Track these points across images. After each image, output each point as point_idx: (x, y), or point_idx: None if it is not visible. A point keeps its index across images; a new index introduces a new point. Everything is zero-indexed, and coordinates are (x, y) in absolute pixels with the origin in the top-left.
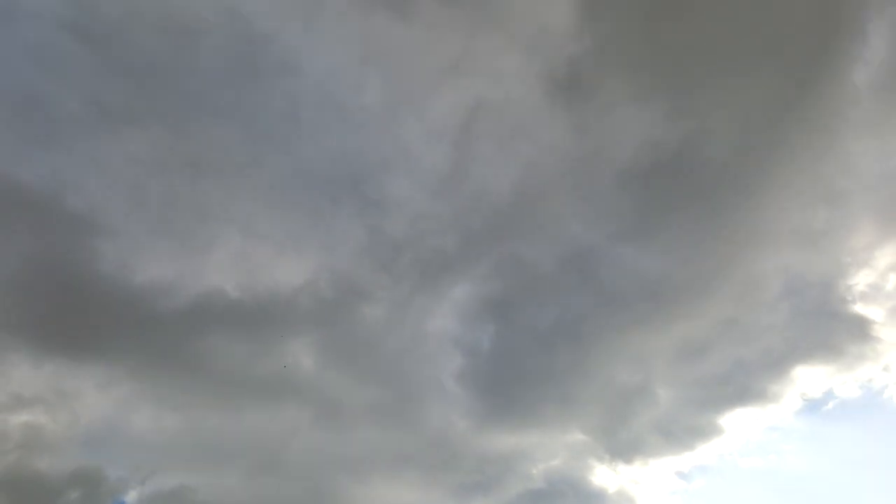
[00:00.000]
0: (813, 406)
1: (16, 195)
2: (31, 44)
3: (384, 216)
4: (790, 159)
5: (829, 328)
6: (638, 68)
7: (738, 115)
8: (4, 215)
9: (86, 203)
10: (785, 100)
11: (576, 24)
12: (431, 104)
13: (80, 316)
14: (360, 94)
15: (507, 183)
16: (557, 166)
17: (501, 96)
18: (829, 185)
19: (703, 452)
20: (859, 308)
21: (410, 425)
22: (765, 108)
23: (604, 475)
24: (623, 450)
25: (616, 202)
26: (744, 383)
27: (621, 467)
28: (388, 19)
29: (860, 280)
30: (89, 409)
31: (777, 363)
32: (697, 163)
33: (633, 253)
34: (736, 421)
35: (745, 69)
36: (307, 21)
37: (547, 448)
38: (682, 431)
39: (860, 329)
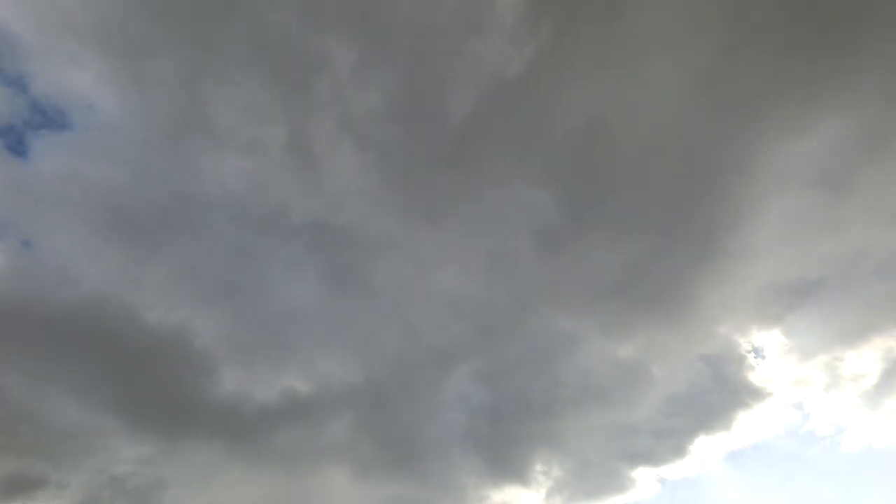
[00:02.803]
0: (724, 460)
1: (156, 339)
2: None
3: (421, 333)
4: (708, 281)
5: (736, 399)
6: (600, 231)
7: (670, 260)
8: (152, 352)
9: (204, 344)
10: (706, 249)
11: (556, 209)
12: (460, 259)
13: (193, 421)
14: (408, 263)
15: (511, 301)
16: (546, 288)
17: (507, 251)
18: (734, 298)
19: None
20: (758, 380)
21: (423, 478)
22: (689, 254)
23: None
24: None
25: (591, 309)
26: (670, 445)
27: None
28: (431, 228)
29: (758, 363)
30: (175, 478)
31: (694, 427)
32: (648, 284)
33: (600, 345)
34: (660, 474)
35: (667, 231)
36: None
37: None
38: (620, 482)
39: (759, 397)
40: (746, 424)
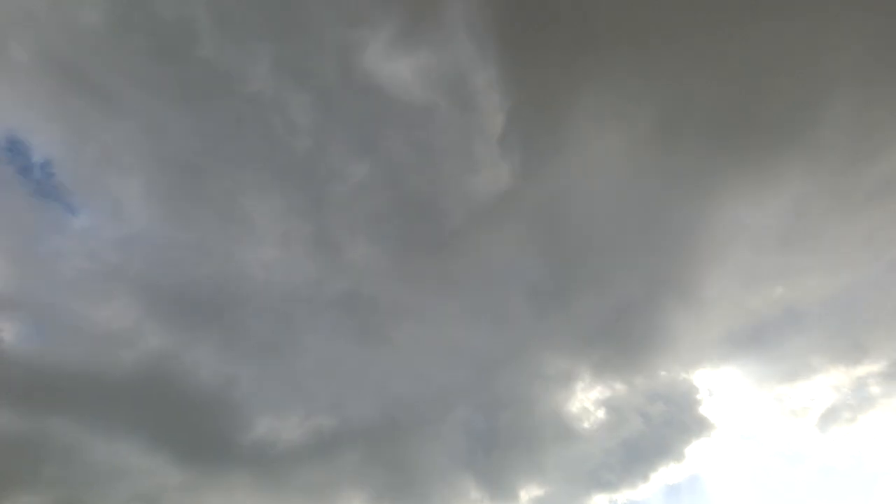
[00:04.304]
0: (681, 484)
1: (200, 393)
2: None
3: (429, 377)
4: (674, 326)
5: (695, 431)
6: (584, 288)
7: (642, 309)
8: (195, 402)
9: (241, 395)
10: (675, 298)
11: (547, 271)
12: (463, 316)
13: (229, 457)
14: (419, 322)
15: (507, 349)
16: (538, 337)
17: (505, 307)
18: (698, 341)
19: None
20: (712, 414)
21: (428, 500)
22: (659, 303)
23: None
24: None
25: (577, 354)
26: (635, 473)
27: None
28: (438, 294)
29: (713, 398)
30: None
31: (655, 457)
32: (624, 335)
33: (586, 384)
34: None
35: (640, 284)
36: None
37: None
38: None
39: (705, 429)
40: (703, 453)
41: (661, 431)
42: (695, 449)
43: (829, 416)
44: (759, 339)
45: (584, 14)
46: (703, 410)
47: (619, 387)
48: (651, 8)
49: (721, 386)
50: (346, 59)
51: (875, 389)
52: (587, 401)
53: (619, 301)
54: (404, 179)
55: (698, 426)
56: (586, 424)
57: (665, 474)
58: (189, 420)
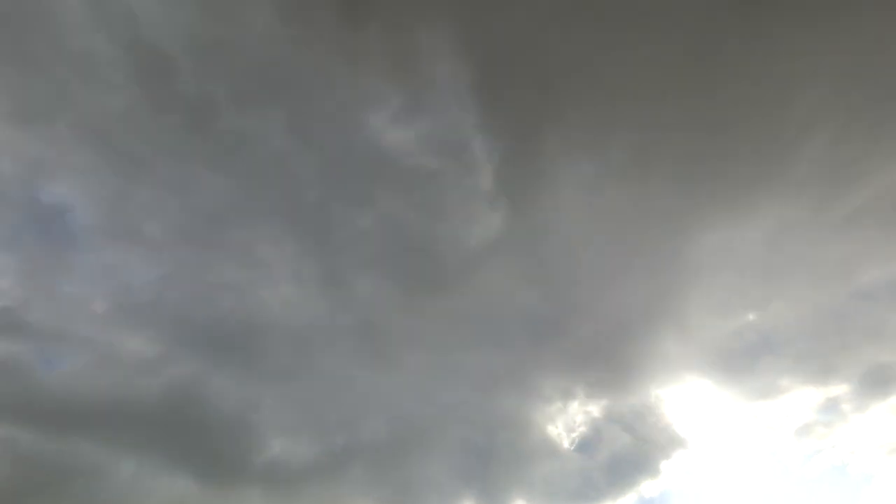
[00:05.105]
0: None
1: (220, 417)
2: None
3: (433, 396)
4: (646, 357)
5: (663, 447)
6: (575, 313)
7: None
8: (215, 425)
9: (258, 418)
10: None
11: (544, 302)
12: (465, 341)
13: (243, 472)
14: (424, 347)
15: (504, 371)
16: (534, 359)
17: (503, 334)
18: (668, 369)
19: None
20: (678, 430)
21: None
22: (642, 327)
23: None
24: None
25: (569, 376)
26: (617, 486)
27: None
28: (441, 321)
29: (682, 418)
30: None
31: (631, 473)
32: (609, 357)
33: (576, 404)
34: None
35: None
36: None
37: None
38: None
39: (683, 446)
40: (681, 468)
41: (642, 448)
42: (672, 464)
43: (803, 432)
44: (735, 360)
45: (552, 64)
46: (681, 428)
47: (603, 406)
48: (621, 44)
49: (700, 404)
50: (350, 127)
51: (846, 406)
52: (573, 420)
53: (605, 326)
54: (404, 228)
55: (677, 443)
56: (570, 442)
57: (644, 488)
58: (209, 441)
